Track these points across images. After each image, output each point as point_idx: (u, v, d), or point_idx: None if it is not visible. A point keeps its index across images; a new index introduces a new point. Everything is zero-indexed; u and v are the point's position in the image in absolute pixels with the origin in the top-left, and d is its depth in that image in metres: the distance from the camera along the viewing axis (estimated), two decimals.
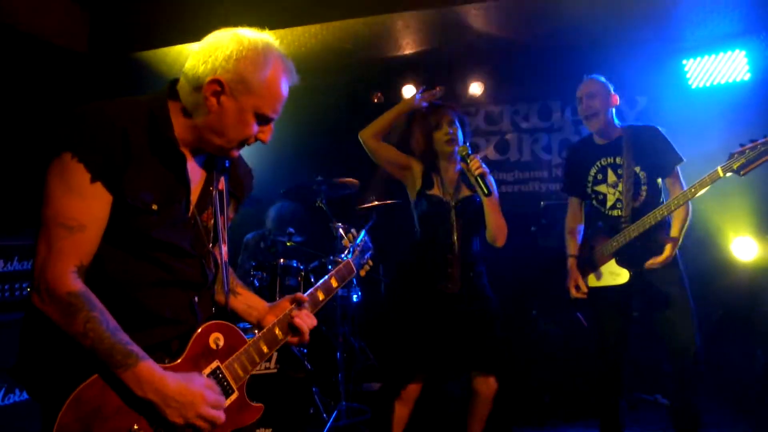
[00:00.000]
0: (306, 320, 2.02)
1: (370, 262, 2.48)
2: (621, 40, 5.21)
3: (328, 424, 4.07)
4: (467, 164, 3.12)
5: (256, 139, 1.75)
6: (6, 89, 4.50)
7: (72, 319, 1.50)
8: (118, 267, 1.63)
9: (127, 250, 1.64)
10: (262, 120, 1.73)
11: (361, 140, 3.44)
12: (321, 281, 2.17)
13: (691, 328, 3.27)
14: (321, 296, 2.13)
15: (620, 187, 3.40)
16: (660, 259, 3.23)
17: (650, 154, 3.37)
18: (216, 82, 1.63)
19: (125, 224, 1.61)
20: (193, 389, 1.60)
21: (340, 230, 4.37)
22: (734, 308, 4.88)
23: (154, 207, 1.63)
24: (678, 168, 3.38)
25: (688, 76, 5.38)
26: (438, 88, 3.46)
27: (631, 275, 3.32)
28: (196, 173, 1.79)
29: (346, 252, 2.37)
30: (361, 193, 4.97)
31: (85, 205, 1.55)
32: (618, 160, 3.42)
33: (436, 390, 4.35)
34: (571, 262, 3.60)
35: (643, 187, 3.38)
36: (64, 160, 1.53)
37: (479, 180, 3.06)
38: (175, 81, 1.74)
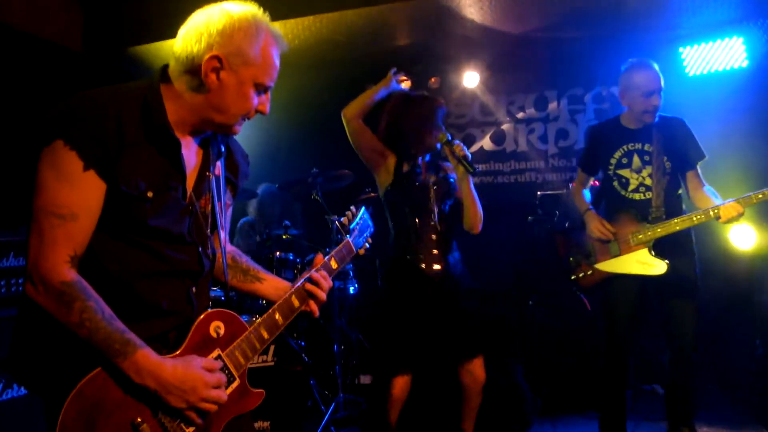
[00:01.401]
0: (323, 280, 2.02)
1: (369, 240, 2.42)
2: (617, 29, 5.19)
3: (326, 417, 4.07)
4: (451, 148, 3.15)
5: (257, 112, 1.75)
6: (0, 86, 4.48)
7: (67, 309, 1.49)
8: (114, 257, 1.61)
9: (123, 240, 1.62)
10: (261, 90, 1.72)
11: (344, 119, 3.38)
12: (322, 263, 2.13)
13: (693, 316, 3.34)
14: None
15: (644, 173, 3.40)
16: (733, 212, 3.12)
17: (678, 147, 3.40)
18: (215, 58, 1.61)
19: (120, 212, 1.60)
20: (192, 373, 1.59)
21: (336, 223, 4.37)
22: (733, 297, 4.88)
23: (149, 194, 1.62)
24: (698, 164, 3.43)
25: (685, 63, 5.35)
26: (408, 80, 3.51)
27: (669, 266, 3.25)
28: (191, 159, 1.77)
29: (345, 232, 2.30)
30: (357, 186, 4.95)
31: (77, 194, 1.53)
32: (647, 147, 3.42)
33: (425, 385, 4.33)
34: (590, 212, 3.56)
35: (666, 177, 3.39)
36: (56, 148, 1.51)
37: (463, 161, 3.11)
38: (167, 66, 1.72)
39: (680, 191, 3.47)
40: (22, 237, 3.45)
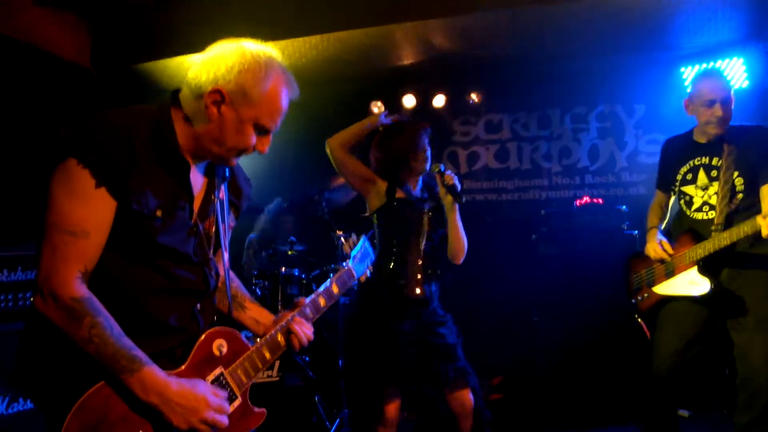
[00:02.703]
0: (301, 332, 2.00)
1: (371, 268, 2.49)
2: (620, 49, 5.25)
3: None
4: (442, 177, 3.20)
5: (254, 150, 1.77)
6: (10, 102, 4.54)
7: (77, 325, 1.51)
8: (123, 274, 1.64)
9: (132, 257, 1.65)
10: (261, 131, 1.74)
11: (328, 148, 3.32)
12: (322, 287, 2.19)
13: (762, 347, 2.96)
14: (323, 302, 2.16)
15: (710, 191, 3.12)
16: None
17: (753, 159, 3.04)
18: (217, 92, 1.65)
19: (130, 230, 1.63)
20: (196, 394, 1.62)
21: (342, 239, 4.40)
22: None
23: (159, 213, 1.65)
24: None
25: (686, 83, 5.39)
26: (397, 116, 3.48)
27: (712, 285, 2.97)
28: (198, 181, 1.81)
29: (346, 258, 2.38)
30: (362, 203, 4.98)
31: (89, 211, 1.56)
32: (714, 161, 3.12)
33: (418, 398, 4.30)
34: (652, 232, 3.32)
35: (738, 196, 3.06)
36: (69, 166, 1.54)
37: (453, 189, 3.16)
38: (178, 90, 1.76)
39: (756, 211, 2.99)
40: (29, 252, 3.50)
